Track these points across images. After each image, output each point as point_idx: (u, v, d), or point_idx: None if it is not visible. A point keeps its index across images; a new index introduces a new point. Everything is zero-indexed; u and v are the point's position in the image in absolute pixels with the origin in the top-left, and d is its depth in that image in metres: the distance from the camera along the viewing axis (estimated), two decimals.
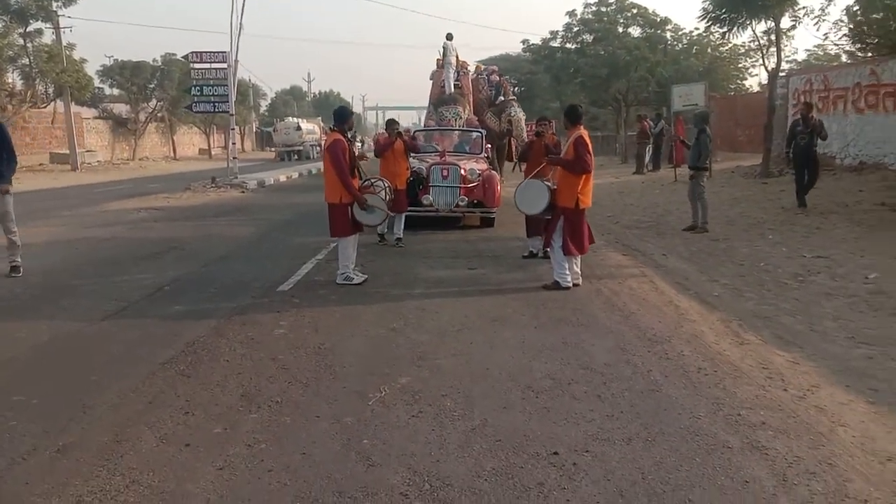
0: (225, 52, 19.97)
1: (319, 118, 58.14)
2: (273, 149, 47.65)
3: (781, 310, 6.15)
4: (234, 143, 22.03)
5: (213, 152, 52.76)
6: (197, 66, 20.07)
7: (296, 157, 43.20)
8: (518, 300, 6.53)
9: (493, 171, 11.75)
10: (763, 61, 18.36)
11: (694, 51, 32.14)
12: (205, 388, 4.28)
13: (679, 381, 4.33)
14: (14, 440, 3.55)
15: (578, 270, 7.12)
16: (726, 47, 32.60)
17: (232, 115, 20.83)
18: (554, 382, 4.31)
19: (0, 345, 5.21)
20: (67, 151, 34.07)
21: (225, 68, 19.94)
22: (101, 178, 27.41)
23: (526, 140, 16.39)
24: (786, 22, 17.26)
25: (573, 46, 31.61)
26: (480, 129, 13.67)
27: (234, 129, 21.83)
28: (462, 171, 10.84)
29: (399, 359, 4.83)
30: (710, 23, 17.81)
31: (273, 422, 3.77)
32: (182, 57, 19.79)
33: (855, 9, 26.38)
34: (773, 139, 17.98)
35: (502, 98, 16.37)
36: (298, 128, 45.14)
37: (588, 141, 6.82)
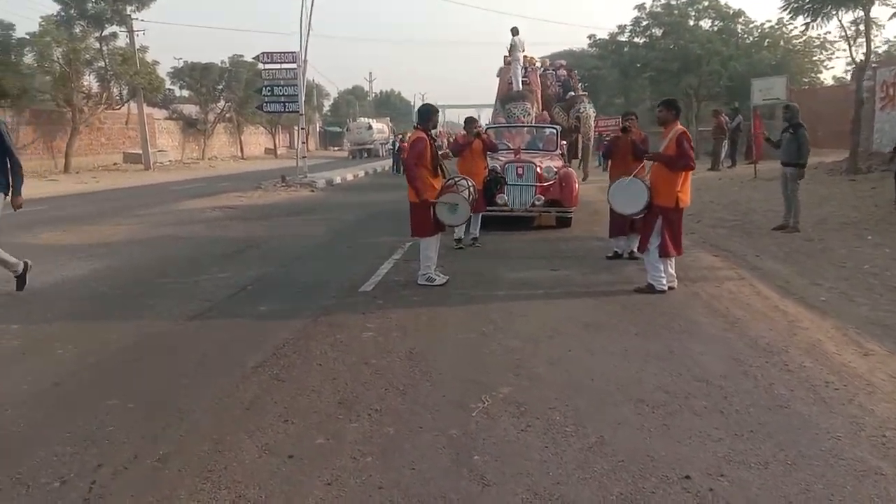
0: (295, 52, 20.14)
1: (388, 118, 61.07)
2: (339, 148, 48.98)
3: None
4: (303, 143, 22.23)
5: (278, 151, 53.75)
6: (268, 66, 20.30)
7: (366, 154, 46.11)
8: (611, 304, 6.22)
9: (570, 169, 11.40)
10: (850, 52, 17.39)
11: (766, 43, 30.96)
12: (301, 394, 4.13)
13: (807, 396, 3.97)
14: (115, 447, 3.46)
15: (673, 273, 6.77)
16: (801, 40, 31.34)
17: (301, 114, 21.01)
18: (668, 396, 4.01)
19: (89, 346, 5.19)
20: (140, 151, 35.14)
21: (295, 68, 20.11)
22: (173, 177, 28.09)
23: (593, 137, 16.00)
24: (875, 11, 16.30)
25: (642, 41, 30.83)
26: (554, 126, 13.31)
27: (303, 128, 22.03)
28: (538, 170, 10.54)
29: (494, 366, 4.60)
30: (792, 13, 16.98)
31: (376, 432, 3.59)
32: (253, 58, 20.06)
33: None
34: (860, 133, 17.05)
35: (572, 93, 15.95)
36: (370, 127, 48.32)
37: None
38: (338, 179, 22.53)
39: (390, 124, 55.32)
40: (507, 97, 17.19)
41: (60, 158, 30.53)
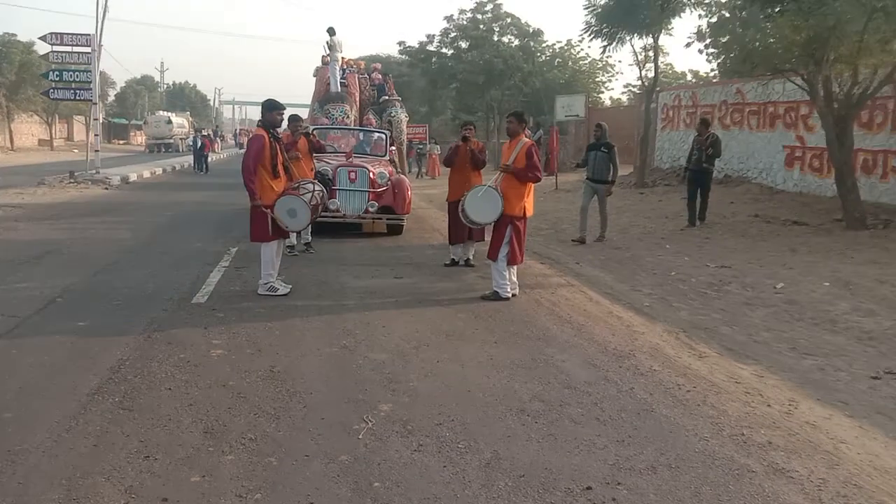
0: (89, 35, 18.13)
1: (188, 112, 61.67)
2: (125, 141, 45.76)
3: (715, 320, 6.31)
4: (96, 135, 20.12)
5: (55, 143, 48.26)
6: (57, 48, 18.06)
7: (164, 149, 44.99)
8: (463, 312, 6.27)
9: (402, 176, 11.41)
10: (640, 75, 19.28)
11: (556, 63, 33.48)
12: (157, 425, 3.66)
13: (665, 399, 4.25)
14: None
15: (516, 280, 6.99)
16: (587, 61, 34.35)
17: (95, 103, 18.96)
18: (545, 405, 4.09)
19: None
20: None
21: (88, 52, 18.11)
22: None
23: (405, 142, 16.18)
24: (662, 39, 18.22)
25: (450, 52, 31.86)
26: (384, 131, 13.24)
27: (97, 119, 19.94)
28: (371, 175, 10.41)
29: (367, 382, 4.42)
30: (592, 36, 18.47)
31: (257, 464, 3.26)
32: (38, 38, 17.74)
33: (706, 30, 28.48)
34: (647, 151, 18.97)
35: (385, 97, 16.00)
36: (169, 122, 47.63)
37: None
38: (133, 177, 20.67)
39: (190, 119, 54.86)
40: (325, 98, 16.79)
41: None
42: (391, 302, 6.62)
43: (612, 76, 35.04)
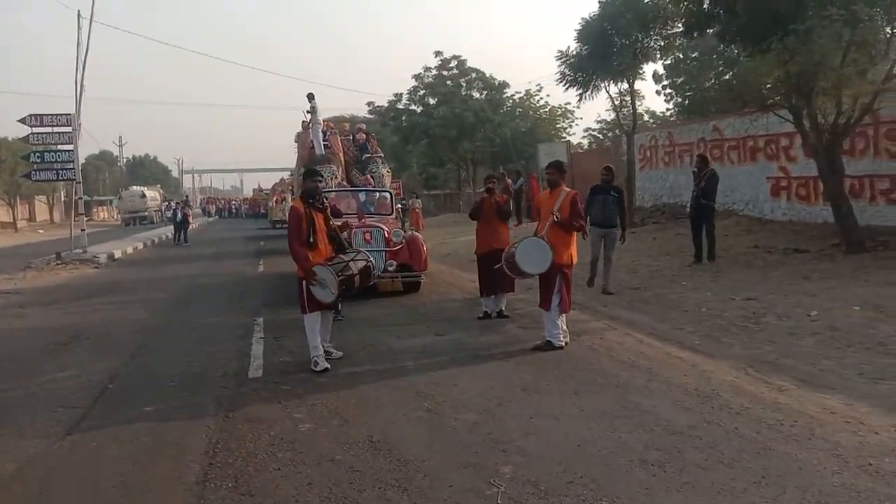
0: (70, 114, 17.98)
1: (159, 185, 64.64)
2: (89, 218, 45.36)
3: (770, 352, 6.39)
4: (81, 213, 19.76)
5: (17, 225, 47.28)
6: (37, 130, 17.86)
7: (139, 222, 46.77)
8: (523, 364, 6.25)
9: (416, 233, 11.43)
10: (618, 119, 19.81)
11: (517, 112, 34.31)
12: None
13: (775, 435, 4.27)
14: None
15: (566, 328, 7.00)
16: (546, 109, 35.32)
17: (79, 181, 18.70)
18: (663, 453, 4.06)
19: None
20: None
21: (69, 132, 17.94)
22: None
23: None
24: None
25: (419, 108, 32.43)
26: (388, 189, 13.30)
27: (81, 197, 19.60)
28: (385, 233, 10.42)
29: (472, 444, 4.34)
30: (567, 86, 18.97)
31: None
32: (18, 121, 17.52)
33: (661, 73, 29.50)
34: (633, 191, 19.36)
35: (367, 155, 16.17)
36: (143, 195, 50.06)
37: None
38: (118, 253, 20.28)
39: (161, 192, 58.19)
40: (311, 161, 16.88)
41: None
42: (447, 360, 6.55)
43: (571, 122, 36.03)
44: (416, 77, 32.00)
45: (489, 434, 4.49)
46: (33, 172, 18.48)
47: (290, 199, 30.85)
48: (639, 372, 5.86)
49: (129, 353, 7.35)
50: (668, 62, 25.46)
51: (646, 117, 36.32)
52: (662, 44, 18.34)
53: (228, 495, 3.73)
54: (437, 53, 31.84)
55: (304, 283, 6.30)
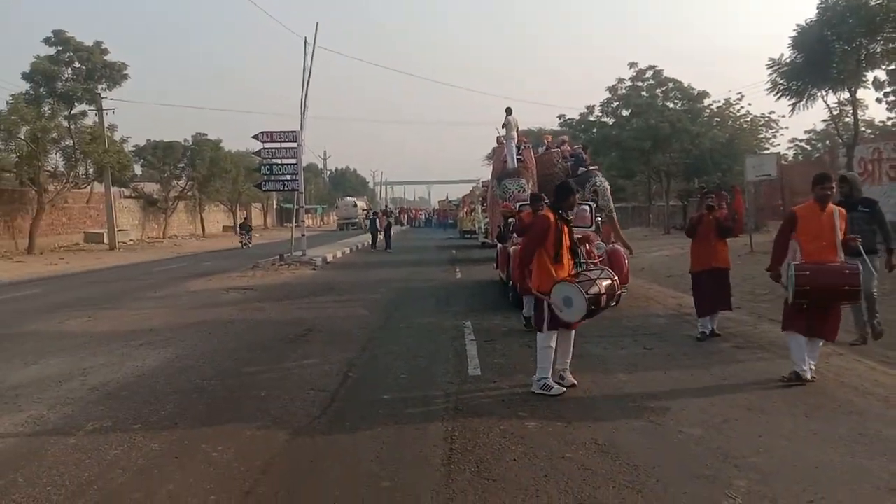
0: (295, 131, 20.08)
1: (365, 196, 76.56)
2: (297, 224, 50.74)
3: None
4: (302, 221, 21.90)
5: (237, 229, 52.96)
6: (267, 145, 20.13)
7: (353, 227, 55.53)
8: (746, 384, 6.12)
9: (618, 246, 11.47)
10: (837, 130, 18.38)
11: (715, 122, 32.57)
12: (529, 496, 3.85)
13: None
14: None
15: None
16: (747, 119, 33.21)
17: (301, 192, 20.80)
18: None
19: (244, 449, 4.79)
20: (101, 231, 34.17)
21: (295, 147, 20.01)
22: (143, 258, 27.28)
23: (614, 209, 16.16)
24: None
25: (611, 121, 32.06)
26: (589, 203, 13.42)
27: (302, 206, 21.74)
28: (586, 247, 10.53)
29: (701, 456, 4.39)
30: (779, 95, 17.94)
31: None
32: (252, 136, 19.84)
33: (884, 79, 26.79)
34: None
35: (583, 168, 16.15)
36: (355, 205, 61.26)
37: None
38: (330, 257, 22.19)
39: (367, 202, 70.09)
40: (503, 174, 17.35)
41: (21, 238, 29.39)
42: (661, 374, 6.58)
43: (775, 132, 33.63)
44: (610, 89, 31.70)
45: (718, 448, 4.52)
46: (263, 183, 20.76)
47: (479, 209, 31.87)
48: (875, 399, 5.54)
49: (361, 346, 8.14)
50: (893, 67, 23.12)
51: (863, 127, 33.08)
52: (890, 48, 16.78)
53: (473, 479, 4.11)
54: (632, 65, 31.34)
55: (544, 299, 5.95)
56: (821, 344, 6.33)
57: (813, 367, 6.13)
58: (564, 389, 5.98)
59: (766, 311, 10.04)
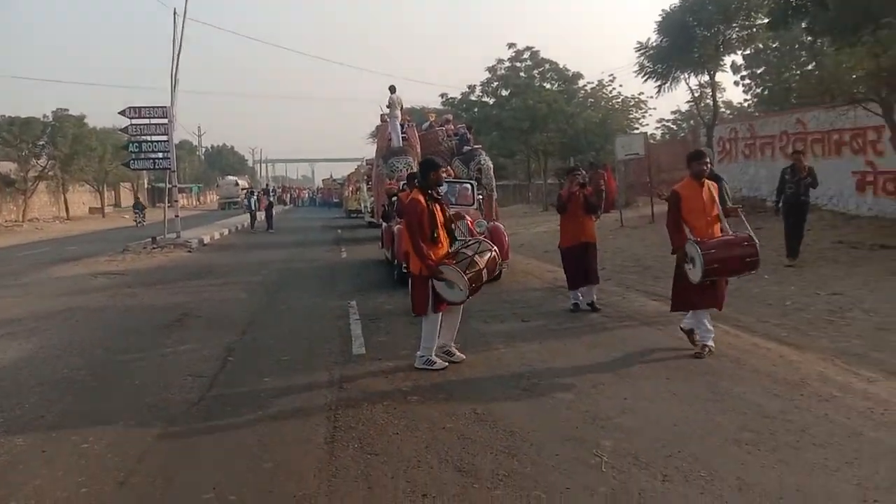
0: (166, 107, 19.09)
1: (247, 175, 76.55)
2: (170, 205, 48.61)
3: (859, 346, 6.46)
4: (175, 201, 20.91)
5: (105, 211, 49.91)
6: (135, 121, 19.03)
7: (235, 206, 52.80)
8: (614, 351, 6.51)
9: (498, 223, 11.76)
10: (697, 110, 19.64)
11: (589, 103, 33.99)
12: (411, 466, 3.96)
13: (866, 422, 4.45)
14: None
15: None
16: (618, 100, 34.91)
17: (173, 171, 19.84)
18: (755, 434, 4.30)
19: (117, 452, 4.61)
20: None
21: (165, 123, 19.03)
22: (2, 242, 25.23)
23: (494, 188, 16.53)
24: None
25: (491, 100, 32.67)
26: (470, 181, 13.67)
27: (174, 185, 20.76)
28: (469, 224, 10.75)
29: (572, 420, 4.68)
30: (646, 77, 18.95)
31: (527, 498, 3.53)
32: (119, 112, 18.68)
33: (741, 63, 28.83)
34: None
35: (468, 147, 16.43)
36: (236, 184, 59.69)
37: None
38: (207, 239, 21.38)
39: (249, 182, 68.99)
40: (389, 153, 17.38)
41: None
42: (536, 345, 6.88)
43: (644, 112, 35.49)
44: (490, 69, 32.23)
45: (587, 412, 4.82)
46: (132, 161, 19.65)
47: (364, 188, 31.64)
48: (727, 361, 6.05)
49: (240, 330, 7.97)
50: (749, 52, 25.00)
51: (723, 108, 35.59)
52: (744, 35, 18.10)
53: (356, 454, 4.18)
54: (511, 45, 31.99)
55: (429, 280, 5.95)
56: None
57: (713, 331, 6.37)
58: (447, 364, 6.10)
59: (634, 283, 10.69)
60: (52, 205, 45.49)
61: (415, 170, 16.63)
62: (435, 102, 37.64)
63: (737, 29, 17.39)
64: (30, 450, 4.41)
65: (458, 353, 6.30)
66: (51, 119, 41.55)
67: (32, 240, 26.62)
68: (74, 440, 4.54)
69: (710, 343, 6.32)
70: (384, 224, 13.92)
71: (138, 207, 35.95)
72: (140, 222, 34.07)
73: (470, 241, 6.51)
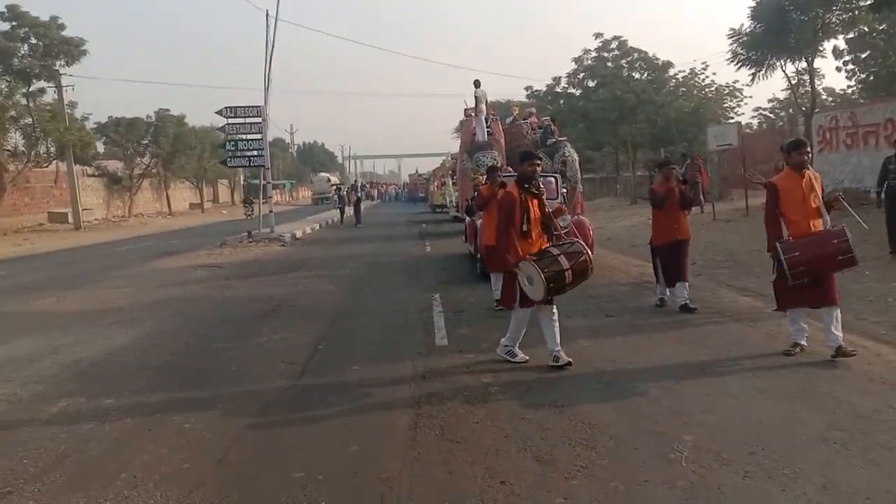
0: (259, 106, 19.94)
1: (337, 171, 79.03)
2: (264, 200, 50.96)
3: None
4: (269, 197, 21.82)
5: (204, 206, 52.43)
6: (232, 121, 19.97)
7: (327, 202, 54.91)
8: (702, 347, 6.41)
9: (583, 217, 11.68)
10: (794, 99, 18.79)
11: (681, 93, 32.92)
12: (489, 453, 4.07)
13: None
14: None
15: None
16: (712, 88, 33.64)
17: (267, 168, 20.71)
18: (846, 433, 4.15)
19: (216, 420, 4.93)
20: (65, 210, 33.58)
21: (259, 122, 19.88)
22: (110, 237, 26.94)
23: (579, 181, 16.36)
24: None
25: (577, 92, 32.25)
26: (555, 174, 13.60)
27: (268, 182, 21.65)
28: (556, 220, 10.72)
29: (653, 415, 4.65)
30: (740, 64, 18.27)
31: (604, 489, 3.57)
32: (216, 112, 19.69)
33: (843, 48, 27.28)
34: None
35: (552, 139, 16.30)
36: (329, 180, 62.46)
37: None
38: (299, 233, 22.20)
39: (339, 177, 72.61)
40: (473, 147, 17.46)
41: None
42: (621, 340, 6.85)
43: (740, 101, 34.12)
44: (576, 60, 31.82)
45: (669, 407, 4.78)
46: (228, 159, 20.60)
47: (449, 183, 31.90)
48: (819, 358, 5.84)
49: (330, 321, 8.30)
50: (851, 36, 23.64)
51: (824, 95, 33.84)
52: (845, 18, 17.16)
53: (437, 441, 4.33)
54: (598, 35, 31.43)
55: (515, 277, 5.96)
56: (837, 311, 5.94)
57: (839, 335, 5.83)
58: (527, 358, 6.07)
59: (725, 278, 10.40)
60: (155, 201, 48.14)
61: (499, 164, 16.73)
62: (521, 95, 37.52)
63: (837, 12, 16.49)
64: (138, 429, 4.78)
65: (563, 357, 5.92)
66: (153, 119, 43.95)
67: (137, 234, 28.26)
68: (177, 421, 4.88)
69: (803, 341, 6.10)
70: (467, 218, 14.05)
71: (248, 203, 38.08)
72: (250, 214, 35.64)
73: (564, 242, 6.30)
